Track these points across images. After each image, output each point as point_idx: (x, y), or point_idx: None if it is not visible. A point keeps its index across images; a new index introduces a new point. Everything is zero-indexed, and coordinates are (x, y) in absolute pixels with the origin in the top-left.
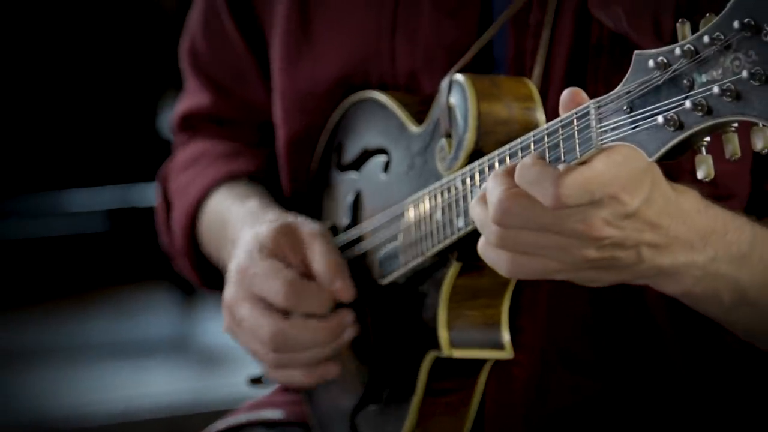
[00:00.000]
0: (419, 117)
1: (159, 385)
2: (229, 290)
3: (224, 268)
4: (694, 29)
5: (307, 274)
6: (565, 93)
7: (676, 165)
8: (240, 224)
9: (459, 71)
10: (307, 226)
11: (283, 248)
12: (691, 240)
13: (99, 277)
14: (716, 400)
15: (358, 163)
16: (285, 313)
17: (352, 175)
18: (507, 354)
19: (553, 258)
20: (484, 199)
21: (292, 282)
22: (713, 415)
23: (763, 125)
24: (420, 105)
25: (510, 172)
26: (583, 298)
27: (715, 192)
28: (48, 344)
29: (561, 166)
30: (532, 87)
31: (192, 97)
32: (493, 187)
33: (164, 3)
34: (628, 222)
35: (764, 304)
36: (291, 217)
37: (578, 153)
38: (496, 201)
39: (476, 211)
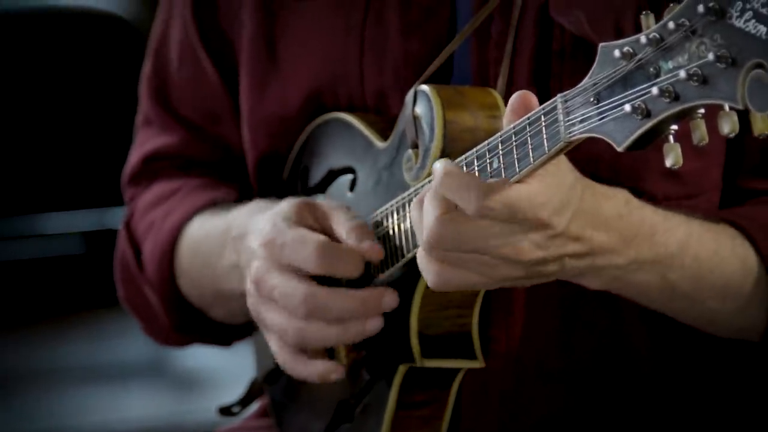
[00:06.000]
0: (385, 134)
1: (135, 408)
2: (256, 264)
3: (214, 292)
4: (658, 22)
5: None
6: (514, 97)
7: (644, 165)
8: (246, 218)
9: (424, 83)
10: (324, 202)
11: (307, 219)
12: (612, 245)
13: (75, 300)
14: (689, 410)
15: (323, 185)
16: (318, 280)
17: (318, 197)
18: (479, 363)
19: (479, 274)
20: (421, 203)
21: (323, 245)
22: (686, 424)
23: (730, 108)
24: (385, 123)
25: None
26: (558, 310)
27: (683, 190)
28: (23, 368)
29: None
30: (497, 96)
31: (156, 138)
32: (427, 209)
33: (143, 30)
34: (553, 241)
35: (702, 297)
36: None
37: (546, 148)
38: (430, 224)
39: (413, 215)
